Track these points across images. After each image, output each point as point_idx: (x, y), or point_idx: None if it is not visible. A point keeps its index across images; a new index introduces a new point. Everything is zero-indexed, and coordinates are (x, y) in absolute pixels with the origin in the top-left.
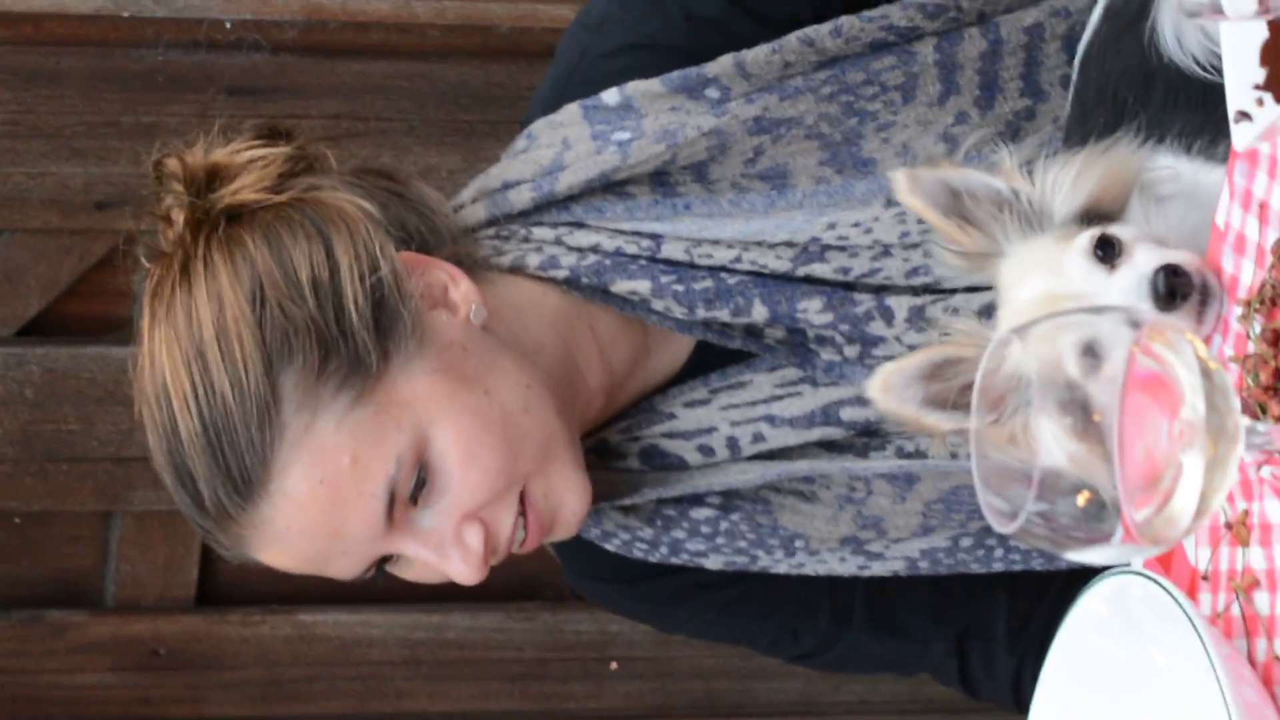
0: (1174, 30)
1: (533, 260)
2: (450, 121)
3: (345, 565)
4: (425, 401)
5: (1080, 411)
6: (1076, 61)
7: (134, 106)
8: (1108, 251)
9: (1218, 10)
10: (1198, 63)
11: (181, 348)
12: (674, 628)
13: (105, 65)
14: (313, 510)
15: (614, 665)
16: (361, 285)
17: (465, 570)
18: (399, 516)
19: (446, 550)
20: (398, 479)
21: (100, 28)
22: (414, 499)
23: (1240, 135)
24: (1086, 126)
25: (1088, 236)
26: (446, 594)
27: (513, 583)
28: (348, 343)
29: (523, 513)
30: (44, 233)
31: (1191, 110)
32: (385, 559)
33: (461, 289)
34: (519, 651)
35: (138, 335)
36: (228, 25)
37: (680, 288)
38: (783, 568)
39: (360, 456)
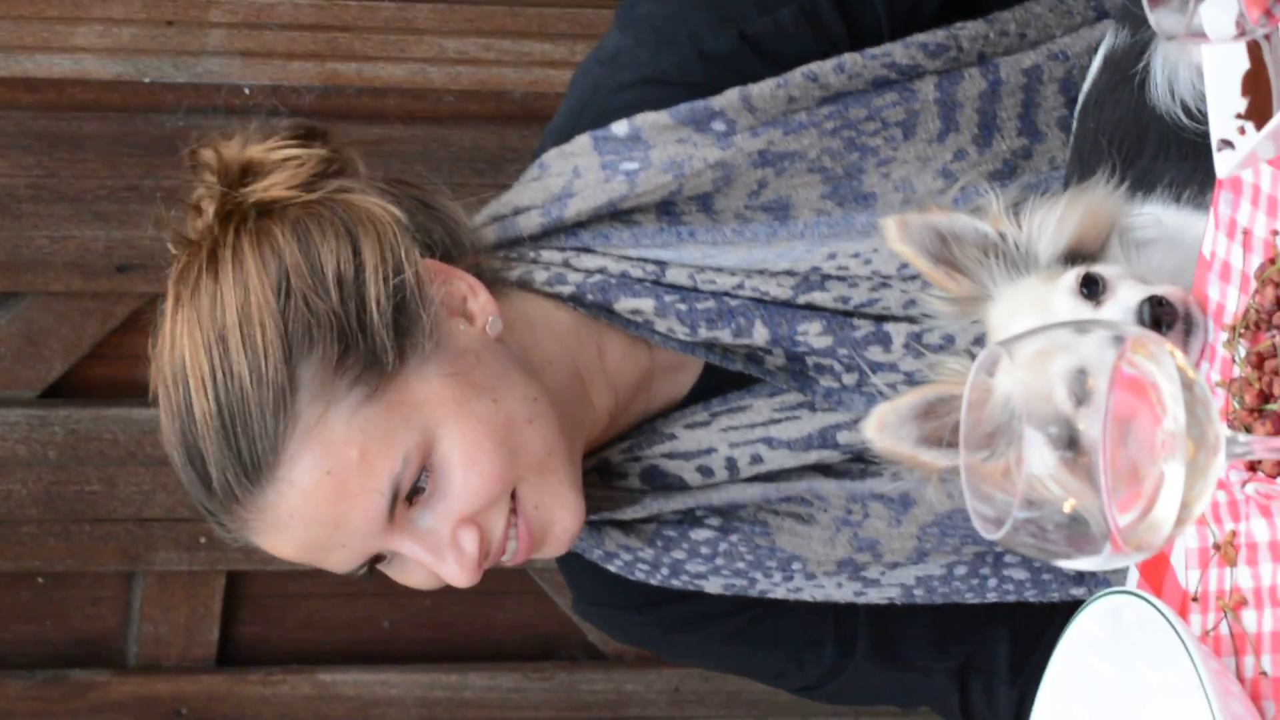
0: (1167, 75)
1: (540, 276)
2: (464, 185)
3: (342, 557)
4: (435, 404)
5: (1066, 432)
6: (1076, 111)
7: (155, 171)
8: (1093, 289)
9: (1198, 33)
10: (1186, 109)
11: (203, 331)
12: (680, 656)
13: (126, 130)
14: (317, 500)
15: None
16: (385, 285)
17: (459, 573)
18: (399, 515)
19: (443, 552)
20: (402, 477)
21: (121, 93)
22: (412, 499)
23: (1223, 163)
24: (1083, 176)
25: (1073, 275)
26: (464, 654)
27: (530, 643)
28: (367, 339)
29: (515, 523)
30: (66, 296)
31: (1182, 160)
32: (378, 558)
33: (480, 300)
34: (535, 711)
35: (160, 316)
36: (246, 91)
37: (683, 307)
38: (780, 592)
39: (368, 451)
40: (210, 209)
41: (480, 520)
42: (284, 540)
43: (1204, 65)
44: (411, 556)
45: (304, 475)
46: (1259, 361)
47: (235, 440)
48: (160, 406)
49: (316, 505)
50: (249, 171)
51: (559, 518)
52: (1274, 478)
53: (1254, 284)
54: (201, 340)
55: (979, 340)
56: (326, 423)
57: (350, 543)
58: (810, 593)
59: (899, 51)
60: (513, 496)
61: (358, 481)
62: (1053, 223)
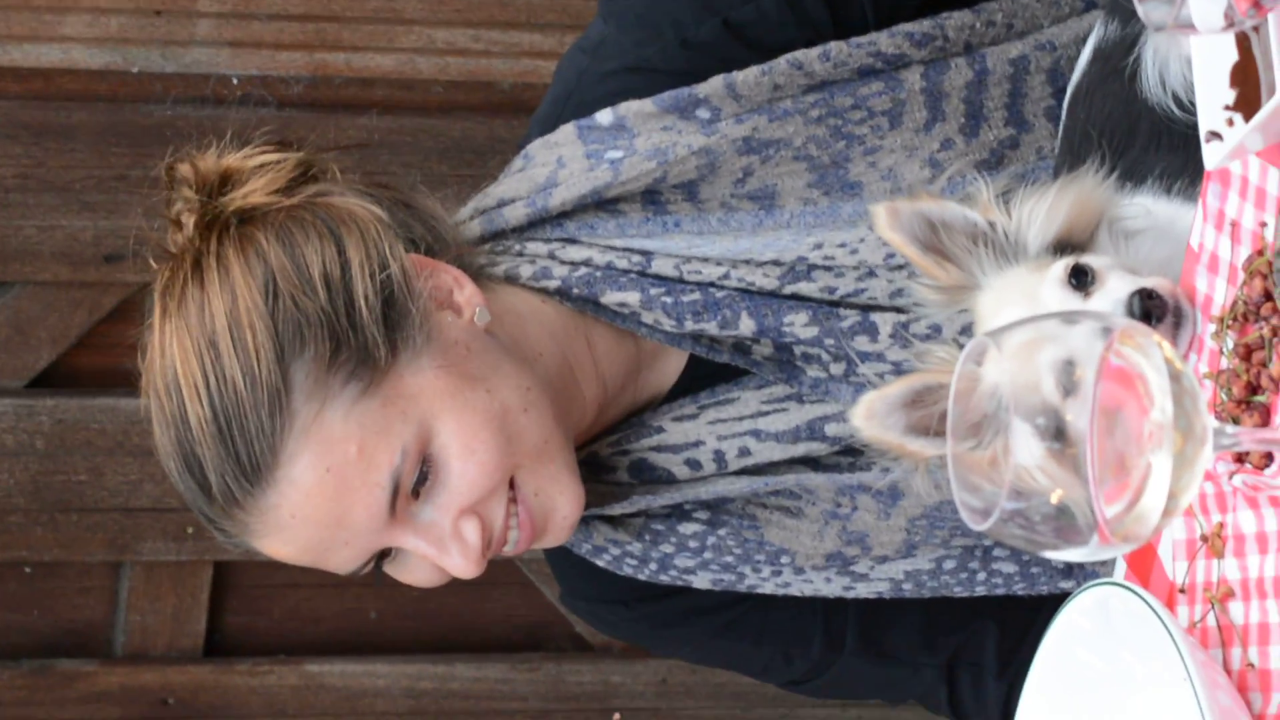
0: (1158, 67)
1: (526, 270)
2: (453, 176)
3: (346, 556)
4: (430, 396)
5: (1053, 423)
6: (1065, 102)
7: (143, 160)
8: (1081, 280)
9: (1186, 25)
10: (1177, 101)
11: (193, 338)
12: (668, 650)
13: (115, 120)
14: (318, 498)
15: (616, 716)
16: (372, 281)
17: (463, 564)
18: (401, 509)
19: (446, 544)
20: (401, 470)
21: (110, 83)
22: (416, 492)
23: (1211, 154)
24: (1074, 167)
25: (1062, 266)
26: (451, 644)
27: (517, 634)
28: (357, 335)
29: (515, 512)
30: (54, 285)
31: (1173, 152)
32: (384, 555)
33: (466, 292)
34: (523, 702)
35: (148, 329)
36: (235, 81)
37: (669, 299)
38: (769, 586)
39: (366, 446)
40: (190, 221)
41: (480, 510)
42: (287, 542)
43: (1192, 57)
44: (415, 550)
45: (303, 474)
46: (1246, 353)
47: (233, 443)
48: (154, 418)
49: (318, 504)
50: (227, 181)
51: (559, 503)
52: (1261, 469)
53: (1242, 276)
54: (192, 347)
55: (966, 330)
56: (323, 420)
57: (353, 540)
58: (799, 587)
59: (885, 40)
60: (512, 486)
61: (358, 477)
62: (1042, 212)
